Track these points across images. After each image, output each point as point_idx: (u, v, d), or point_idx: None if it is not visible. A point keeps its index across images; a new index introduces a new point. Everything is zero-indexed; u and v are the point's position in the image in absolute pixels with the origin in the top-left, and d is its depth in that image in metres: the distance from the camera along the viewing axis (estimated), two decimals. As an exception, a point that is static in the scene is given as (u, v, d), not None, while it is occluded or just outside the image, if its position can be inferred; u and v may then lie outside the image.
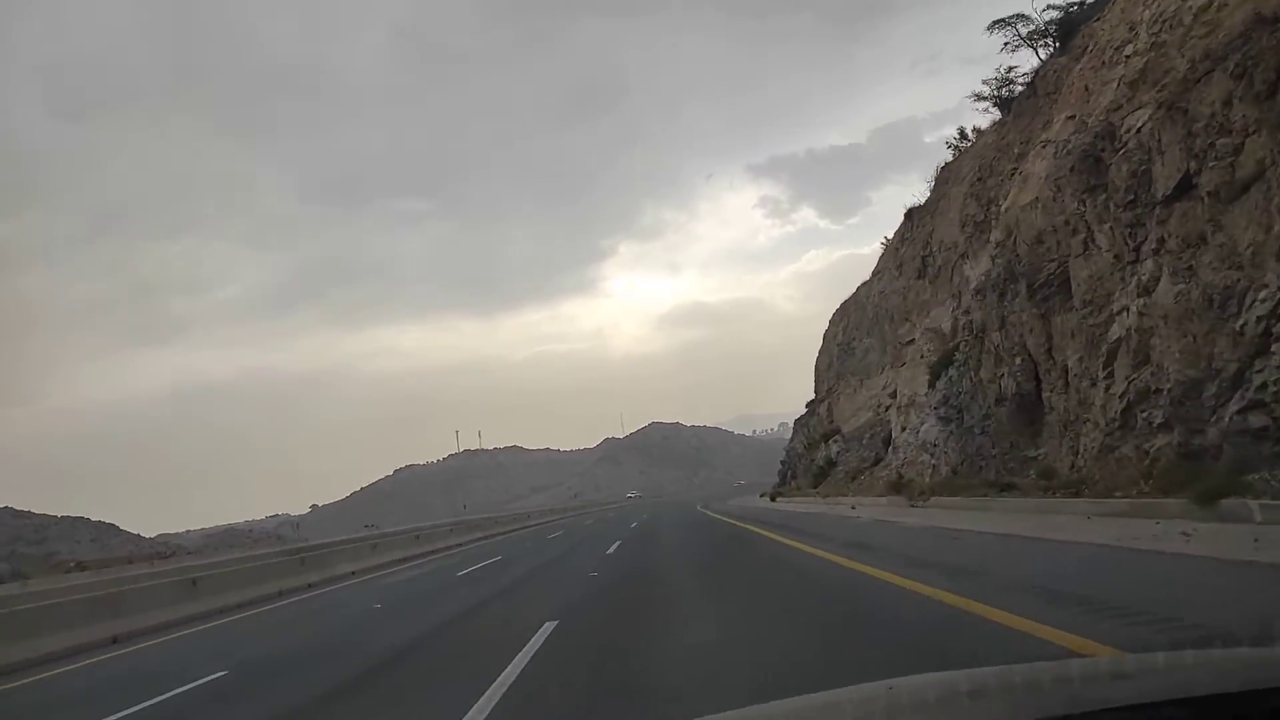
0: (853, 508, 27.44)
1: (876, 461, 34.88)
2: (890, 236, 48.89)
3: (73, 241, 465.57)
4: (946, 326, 33.75)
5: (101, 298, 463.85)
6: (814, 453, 52.61)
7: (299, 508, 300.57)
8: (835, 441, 48.37)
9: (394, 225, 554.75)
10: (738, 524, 27.85)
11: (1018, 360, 20.40)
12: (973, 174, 32.36)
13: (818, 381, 65.73)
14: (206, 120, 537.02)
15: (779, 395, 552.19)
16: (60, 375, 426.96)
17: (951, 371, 26.76)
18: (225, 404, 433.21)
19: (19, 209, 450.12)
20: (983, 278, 24.03)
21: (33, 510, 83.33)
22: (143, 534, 79.01)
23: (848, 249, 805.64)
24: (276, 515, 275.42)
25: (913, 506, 22.14)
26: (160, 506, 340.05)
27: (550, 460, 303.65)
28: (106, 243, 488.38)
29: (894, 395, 39.19)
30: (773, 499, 49.37)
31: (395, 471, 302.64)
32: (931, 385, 28.54)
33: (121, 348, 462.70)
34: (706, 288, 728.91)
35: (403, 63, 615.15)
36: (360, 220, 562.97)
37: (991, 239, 26.31)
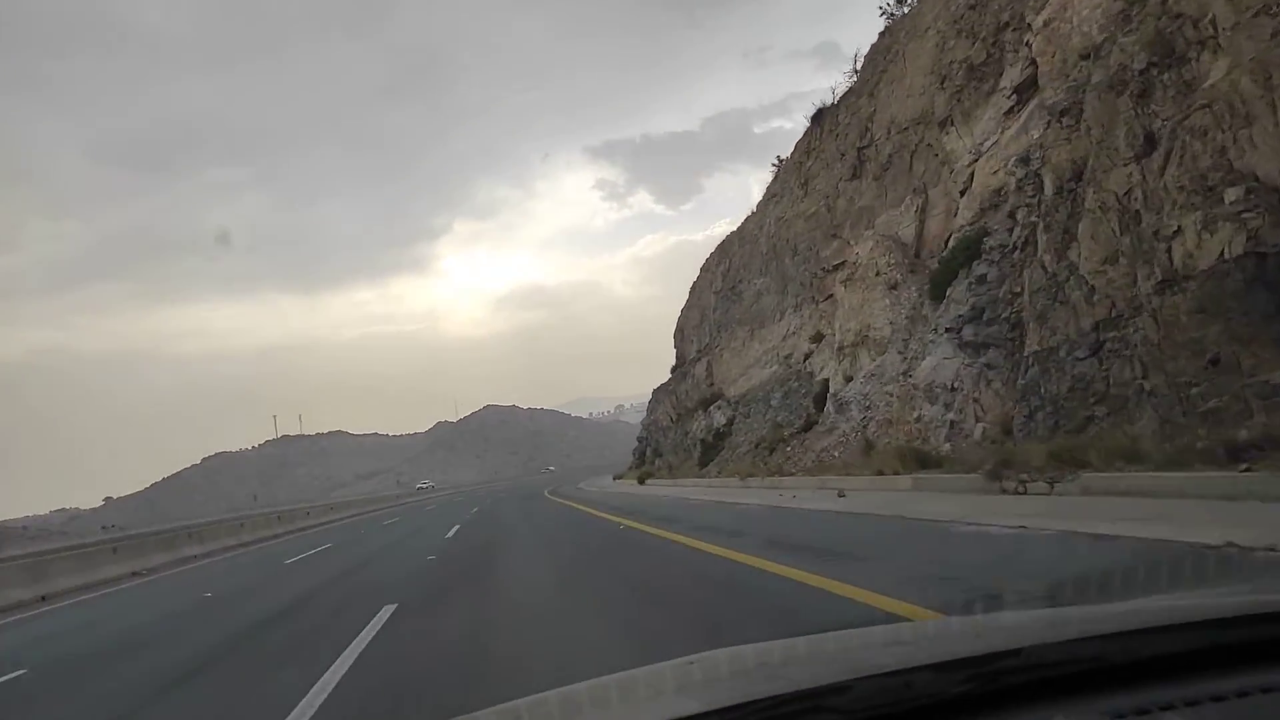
0: (794, 496, 16.41)
1: (807, 427, 24.08)
2: (784, 157, 38.50)
3: None
4: (910, 231, 23.25)
5: None
6: (688, 424, 41.62)
7: (91, 500, 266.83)
8: (719, 408, 37.45)
9: (209, 195, 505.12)
10: (629, 523, 16.15)
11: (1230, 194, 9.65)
12: (957, 10, 21.91)
13: (682, 344, 55.03)
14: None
15: (618, 378, 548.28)
16: None
17: (982, 269, 15.98)
18: (7, 387, 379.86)
19: None
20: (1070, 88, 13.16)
21: None
22: None
23: (683, 234, 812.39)
24: (64, 509, 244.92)
25: (1006, 491, 10.85)
26: None
27: (378, 446, 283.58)
28: None
29: (816, 339, 28.49)
30: (641, 481, 38.07)
31: (204, 460, 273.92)
32: (936, 301, 17.80)
33: None
34: (544, 269, 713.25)
35: (221, 24, 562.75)
36: (171, 189, 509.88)
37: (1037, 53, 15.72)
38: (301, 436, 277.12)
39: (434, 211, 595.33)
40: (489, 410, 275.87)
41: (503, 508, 31.45)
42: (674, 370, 52.65)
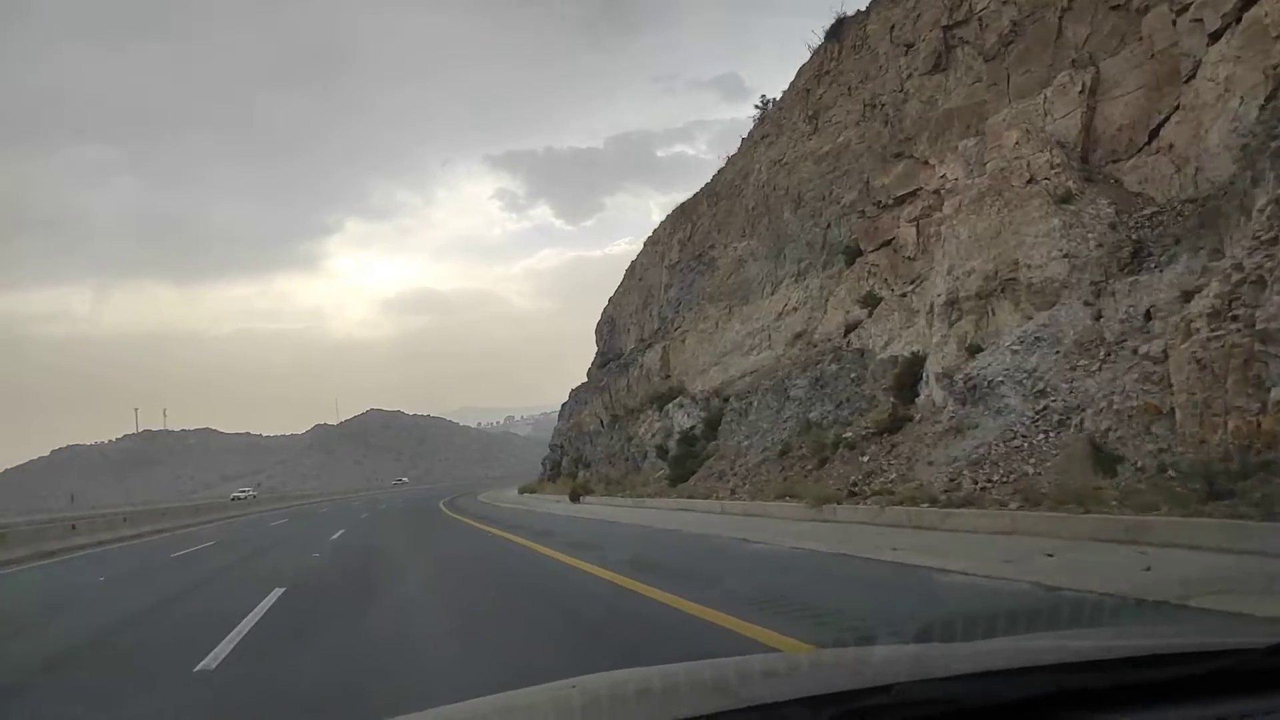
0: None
1: (894, 425, 14.50)
2: (776, 96, 29.50)
3: None
4: (1069, 125, 14.31)
5: None
6: (630, 427, 31.84)
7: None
8: (681, 406, 27.85)
9: (74, 174, 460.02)
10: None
11: None
12: None
13: (611, 336, 45.34)
14: None
15: (509, 389, 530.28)
16: None
17: None
18: None
19: None
20: None
21: None
22: None
23: (582, 250, 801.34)
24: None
25: None
26: None
27: (251, 446, 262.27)
28: None
29: (867, 302, 19.20)
30: (575, 498, 27.93)
31: (53, 452, 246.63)
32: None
33: None
34: (438, 275, 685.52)
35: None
36: (36, 162, 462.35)
37: None
38: (166, 432, 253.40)
39: (325, 209, 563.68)
40: (372, 414, 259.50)
41: (385, 535, 20.92)
42: (601, 366, 42.94)
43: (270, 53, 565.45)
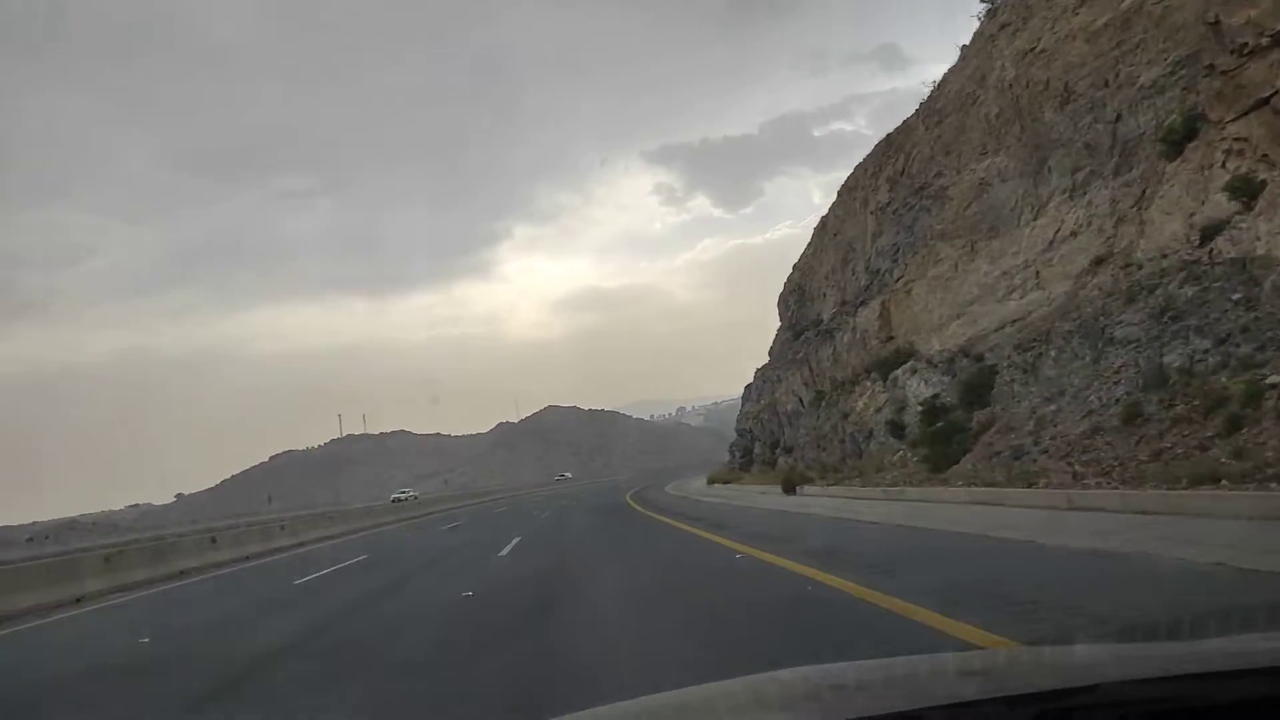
0: None
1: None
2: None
3: None
4: None
5: None
6: (844, 403, 26.43)
7: (163, 496, 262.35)
8: (916, 372, 22.15)
9: (279, 202, 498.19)
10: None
11: None
12: None
13: (798, 306, 39.86)
14: (71, 82, 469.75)
15: (678, 381, 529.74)
16: None
17: None
18: (86, 386, 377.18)
19: None
20: None
21: None
22: None
23: (740, 238, 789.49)
24: (138, 505, 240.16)
25: None
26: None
27: (440, 446, 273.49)
28: None
29: (1241, 191, 12.96)
30: (789, 489, 22.90)
31: (271, 457, 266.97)
32: None
33: None
34: (603, 273, 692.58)
35: (290, 36, 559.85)
36: (242, 196, 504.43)
37: None
38: (365, 436, 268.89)
39: (496, 217, 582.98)
40: (550, 410, 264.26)
41: (571, 546, 16.65)
42: (796, 338, 37.54)
43: (438, 74, 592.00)
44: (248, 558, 19.87)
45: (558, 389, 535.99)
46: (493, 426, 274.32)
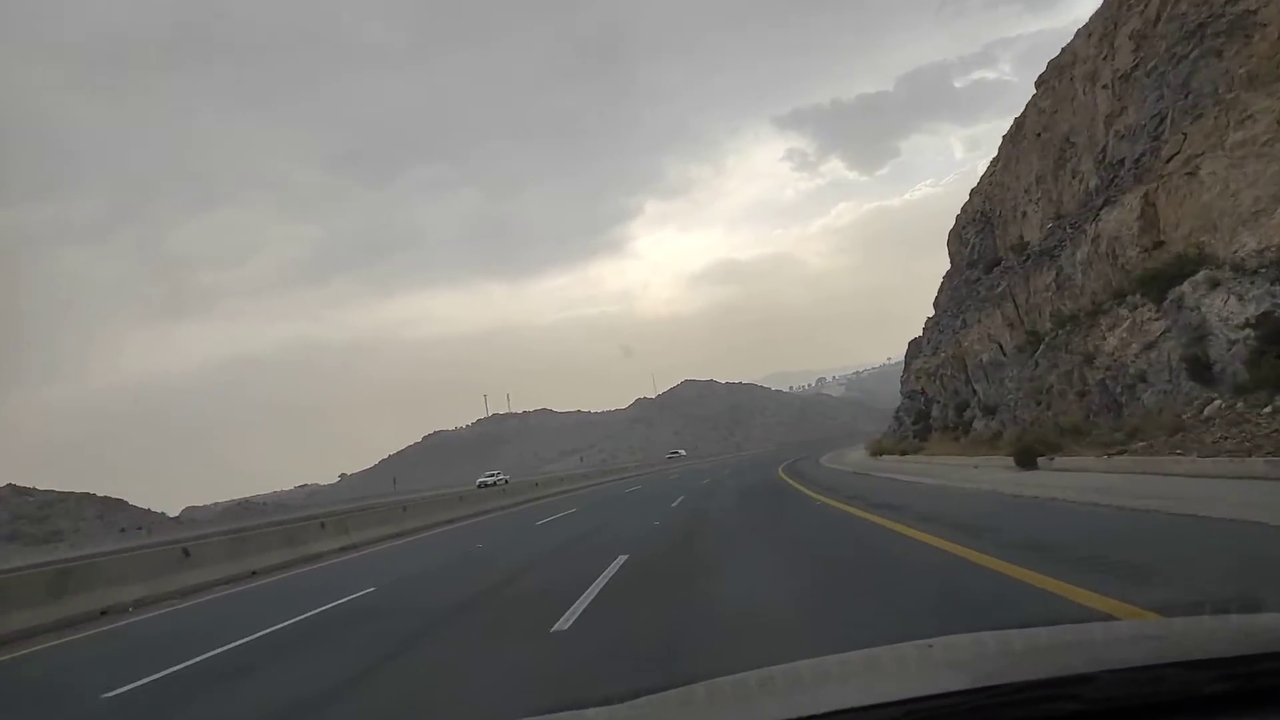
0: None
1: None
2: None
3: (101, 221, 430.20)
4: None
5: (132, 274, 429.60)
6: (1083, 343, 18.97)
7: (328, 477, 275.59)
8: (1220, 285, 14.53)
9: (420, 193, 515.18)
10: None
11: None
12: None
13: (980, 236, 31.97)
14: (228, 94, 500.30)
15: (816, 351, 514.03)
16: (94, 355, 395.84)
17: None
18: (257, 377, 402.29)
19: (48, 192, 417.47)
20: None
21: (36, 487, 76.53)
22: (152, 509, 69.80)
23: (877, 200, 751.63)
24: (305, 485, 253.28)
25: None
26: (184, 481, 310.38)
27: (581, 422, 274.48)
28: (135, 220, 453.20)
29: None
30: (1023, 461, 15.84)
31: (424, 438, 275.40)
32: None
33: (153, 324, 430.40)
34: (736, 244, 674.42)
35: (425, 31, 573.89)
36: (386, 189, 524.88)
37: None
38: (510, 415, 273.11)
39: (627, 194, 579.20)
40: (686, 385, 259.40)
41: (728, 563, 10.49)
42: (987, 271, 29.75)
43: (563, 53, 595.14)
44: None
45: (694, 363, 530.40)
46: (631, 402, 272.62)
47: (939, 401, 30.38)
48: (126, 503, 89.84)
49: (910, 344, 39.79)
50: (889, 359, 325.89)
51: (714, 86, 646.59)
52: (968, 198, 35.53)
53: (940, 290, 40.28)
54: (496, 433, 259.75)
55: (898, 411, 38.24)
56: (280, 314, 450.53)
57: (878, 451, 33.76)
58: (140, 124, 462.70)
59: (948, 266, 40.98)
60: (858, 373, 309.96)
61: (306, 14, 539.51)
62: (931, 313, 41.86)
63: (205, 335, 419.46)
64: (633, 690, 1.78)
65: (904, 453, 28.15)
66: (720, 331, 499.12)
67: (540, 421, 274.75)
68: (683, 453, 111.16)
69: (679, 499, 21.25)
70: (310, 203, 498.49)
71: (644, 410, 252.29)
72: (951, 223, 37.76)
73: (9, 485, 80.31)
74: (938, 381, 31.41)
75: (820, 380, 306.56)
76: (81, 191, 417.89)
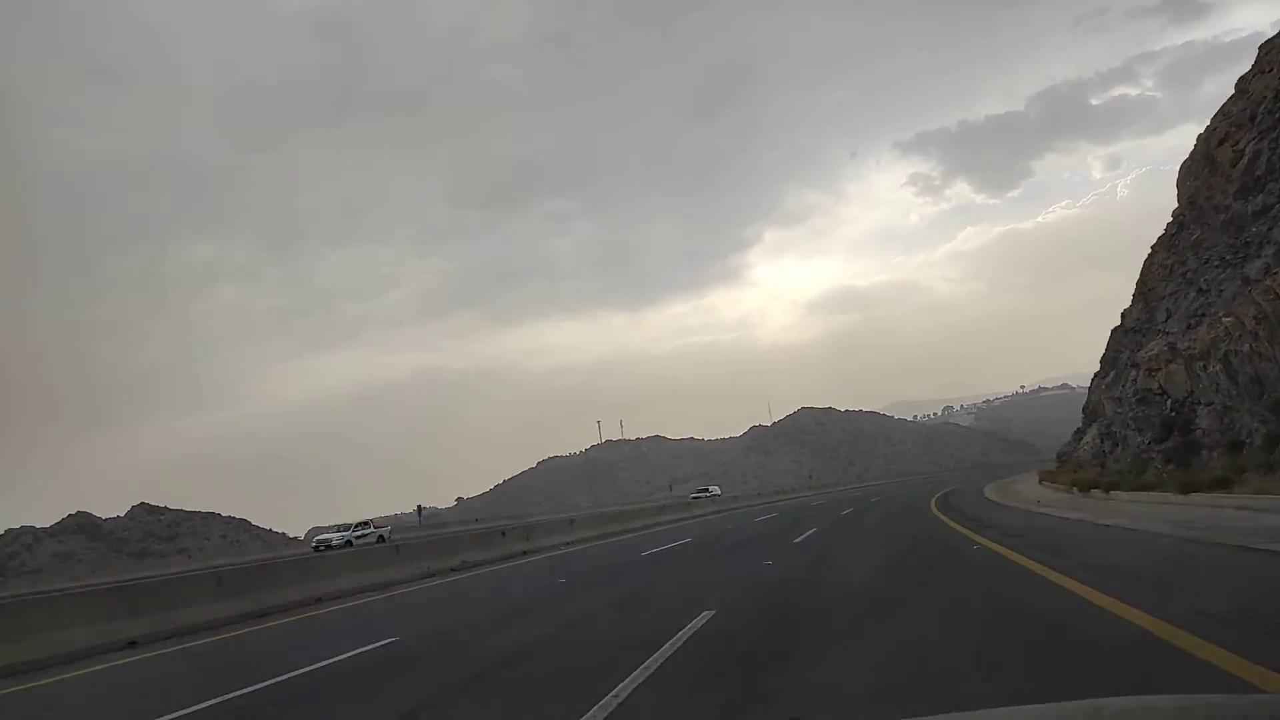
0: None
1: None
2: None
3: (254, 259, 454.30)
4: None
5: (283, 307, 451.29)
6: None
7: (445, 500, 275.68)
8: None
9: (543, 225, 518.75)
10: None
11: None
12: None
13: (1208, 179, 20.79)
14: (364, 135, 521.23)
15: (941, 379, 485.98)
16: (239, 383, 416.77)
17: None
18: (381, 405, 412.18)
19: (208, 232, 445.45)
20: None
21: (168, 506, 77.98)
22: (274, 529, 71.67)
23: (1008, 224, 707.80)
24: (424, 508, 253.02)
25: None
26: (308, 504, 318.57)
27: (694, 450, 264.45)
28: (285, 257, 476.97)
29: None
30: None
31: (538, 463, 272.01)
32: None
33: (295, 355, 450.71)
34: (855, 271, 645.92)
35: (549, 68, 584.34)
36: (512, 223, 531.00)
37: None
38: (623, 441, 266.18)
39: (745, 223, 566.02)
40: (803, 412, 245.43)
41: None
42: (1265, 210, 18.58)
43: (682, 86, 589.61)
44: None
45: (812, 392, 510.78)
46: (746, 430, 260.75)
47: (1210, 404, 19.07)
48: (250, 523, 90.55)
49: (1112, 335, 28.53)
50: (1021, 388, 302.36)
51: (835, 113, 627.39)
52: (1195, 142, 24.42)
53: (1151, 258, 28.92)
54: (609, 459, 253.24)
55: (1104, 430, 26.80)
56: (406, 345, 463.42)
57: (1074, 482, 22.63)
58: (290, 167, 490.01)
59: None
60: (988, 401, 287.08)
61: (438, 58, 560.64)
62: (1115, 322, 30.42)
63: (334, 366, 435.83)
64: None
65: (1145, 488, 17.14)
66: (839, 359, 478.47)
67: (654, 448, 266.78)
68: (715, 490, 78.33)
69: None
70: (441, 237, 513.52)
71: (759, 439, 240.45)
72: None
73: (142, 504, 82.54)
74: (1206, 369, 20.02)
75: (947, 409, 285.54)
76: (236, 232, 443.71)
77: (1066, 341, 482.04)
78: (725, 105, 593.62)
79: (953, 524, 16.64)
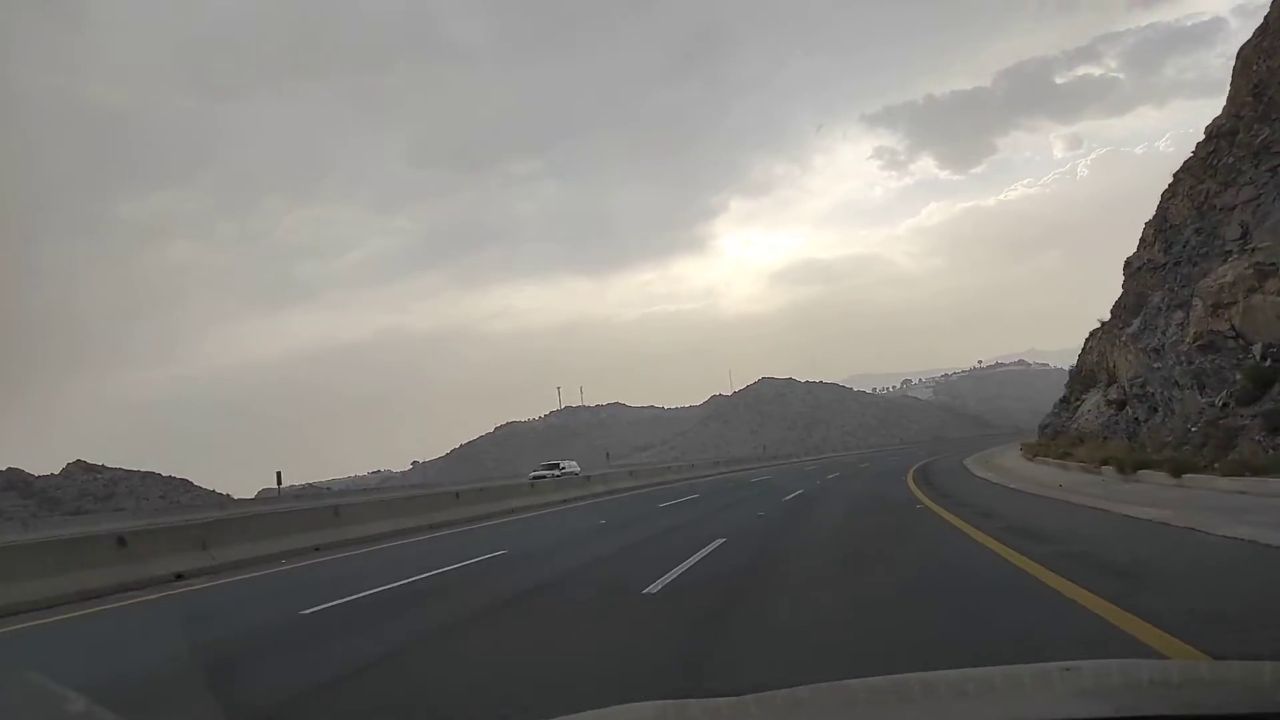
0: None
1: None
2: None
3: (210, 213, 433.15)
4: None
5: (237, 265, 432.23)
6: None
7: (400, 464, 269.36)
8: None
9: (509, 187, 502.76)
10: None
11: None
12: None
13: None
14: (327, 90, 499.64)
15: (900, 352, 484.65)
16: (189, 340, 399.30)
17: None
18: (339, 366, 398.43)
19: (171, 184, 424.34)
20: None
21: (105, 464, 74.93)
22: (217, 489, 66.29)
23: (971, 200, 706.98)
24: (379, 471, 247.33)
25: None
26: (259, 466, 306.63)
27: (654, 418, 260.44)
28: (241, 213, 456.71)
29: None
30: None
31: (496, 429, 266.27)
32: None
33: (251, 313, 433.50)
34: (821, 244, 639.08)
35: (514, 26, 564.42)
36: (477, 183, 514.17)
37: None
38: (582, 408, 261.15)
39: (712, 191, 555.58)
40: (764, 383, 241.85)
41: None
42: None
43: (657, 51, 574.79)
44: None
45: (774, 362, 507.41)
46: (706, 399, 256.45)
47: (1212, 379, 13.36)
48: (191, 483, 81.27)
49: (1133, 275, 22.52)
50: (979, 363, 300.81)
51: (804, 85, 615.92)
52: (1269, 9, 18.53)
53: (1174, 187, 23.26)
54: (567, 425, 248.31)
55: (1116, 390, 20.91)
56: (366, 306, 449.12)
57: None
58: (253, 123, 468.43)
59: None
60: (946, 376, 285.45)
61: (403, 12, 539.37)
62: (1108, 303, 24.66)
63: (290, 326, 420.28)
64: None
65: (1133, 465, 11.20)
66: (802, 330, 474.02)
67: (613, 415, 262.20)
68: (571, 467, 50.31)
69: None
70: (404, 198, 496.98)
71: (719, 408, 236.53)
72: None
73: (78, 462, 78.02)
74: (1205, 355, 14.33)
75: (905, 382, 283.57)
76: (191, 184, 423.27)
77: (1024, 319, 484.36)
78: (695, 70, 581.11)
79: (1004, 550, 10.67)
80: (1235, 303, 14.11)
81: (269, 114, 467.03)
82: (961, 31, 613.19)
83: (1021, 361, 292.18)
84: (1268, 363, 12.70)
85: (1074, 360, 42.71)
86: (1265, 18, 18.13)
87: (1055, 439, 30.83)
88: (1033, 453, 29.23)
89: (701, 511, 17.42)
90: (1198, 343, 14.82)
